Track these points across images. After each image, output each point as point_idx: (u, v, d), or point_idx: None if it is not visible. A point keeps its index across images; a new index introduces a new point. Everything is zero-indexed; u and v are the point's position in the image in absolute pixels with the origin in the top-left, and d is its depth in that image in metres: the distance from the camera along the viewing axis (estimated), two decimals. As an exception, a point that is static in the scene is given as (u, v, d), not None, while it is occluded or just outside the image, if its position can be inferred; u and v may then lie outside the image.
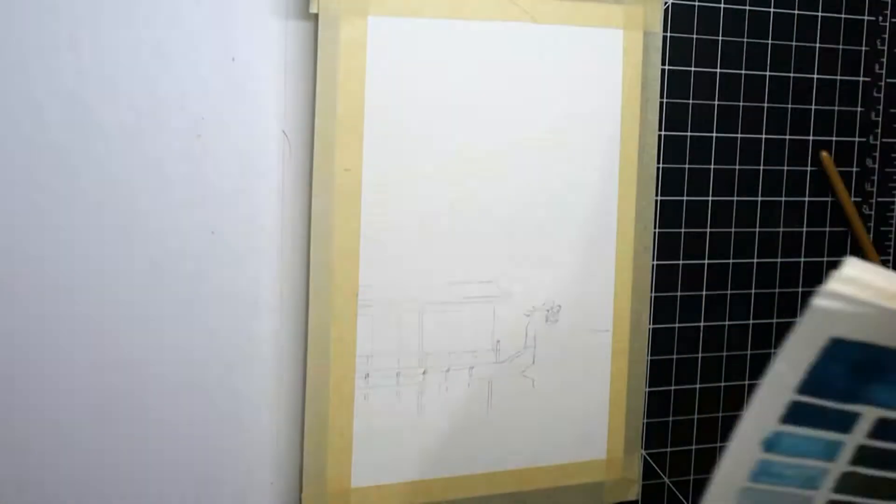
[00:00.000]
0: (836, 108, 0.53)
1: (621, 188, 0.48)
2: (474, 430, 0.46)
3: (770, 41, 0.51)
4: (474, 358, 0.46)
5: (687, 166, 0.50)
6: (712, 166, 0.51)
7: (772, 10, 0.51)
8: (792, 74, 0.52)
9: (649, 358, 0.51)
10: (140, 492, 0.42)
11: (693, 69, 0.50)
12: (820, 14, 0.52)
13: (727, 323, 0.52)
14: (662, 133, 0.49)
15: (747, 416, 0.30)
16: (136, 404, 0.42)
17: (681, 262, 0.51)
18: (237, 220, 0.43)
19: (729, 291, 0.52)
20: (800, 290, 0.54)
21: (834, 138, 0.53)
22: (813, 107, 0.53)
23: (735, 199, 0.52)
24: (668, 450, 0.52)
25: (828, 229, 0.54)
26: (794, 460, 0.31)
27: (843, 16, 0.53)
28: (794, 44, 0.52)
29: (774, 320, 0.53)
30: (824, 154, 0.50)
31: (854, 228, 0.53)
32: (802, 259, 0.53)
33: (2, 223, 0.39)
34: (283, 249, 0.43)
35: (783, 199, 0.53)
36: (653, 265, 0.50)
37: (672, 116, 0.50)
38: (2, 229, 0.39)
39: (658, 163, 0.49)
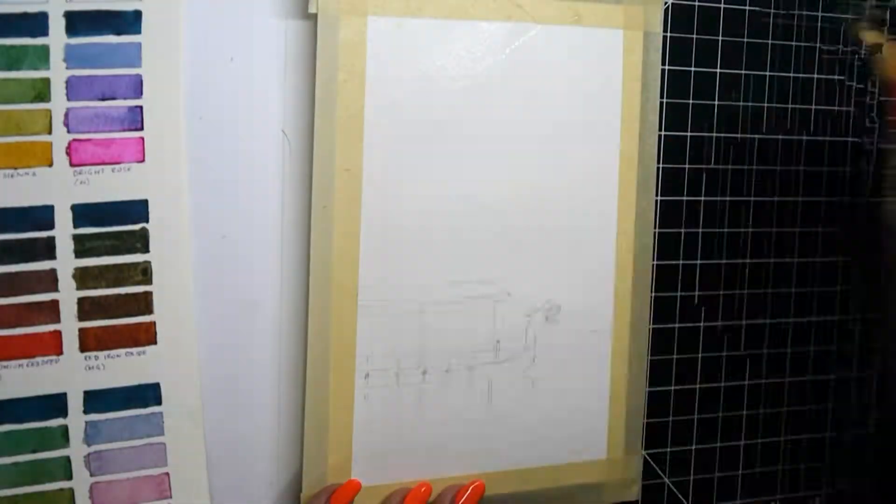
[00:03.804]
0: (836, 108, 0.53)
1: (621, 188, 0.48)
2: (474, 430, 0.46)
3: (770, 41, 0.51)
4: (474, 358, 0.46)
5: (687, 166, 0.50)
6: (712, 166, 0.51)
7: (772, 10, 0.51)
8: (792, 74, 0.52)
9: (649, 358, 0.51)
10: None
11: (693, 69, 0.50)
12: (820, 14, 0.52)
13: (727, 323, 0.52)
14: (662, 133, 0.49)
15: None
16: (135, 404, 0.42)
17: (681, 262, 0.51)
18: (236, 219, 0.43)
19: (729, 291, 0.52)
20: (800, 290, 0.54)
21: (833, 139, 0.53)
22: (813, 107, 0.53)
23: (735, 199, 0.52)
24: (668, 450, 0.52)
25: (828, 229, 0.54)
26: None
27: (842, 16, 0.53)
28: (793, 44, 0.52)
29: (775, 320, 0.53)
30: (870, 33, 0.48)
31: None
32: (802, 259, 0.54)
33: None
34: (283, 249, 0.43)
35: (783, 199, 0.53)
36: (653, 265, 0.50)
37: (672, 116, 0.50)
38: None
39: (658, 163, 0.49)
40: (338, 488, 0.43)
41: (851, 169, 0.54)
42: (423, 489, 0.44)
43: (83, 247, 0.39)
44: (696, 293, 0.51)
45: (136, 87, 0.39)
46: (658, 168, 0.49)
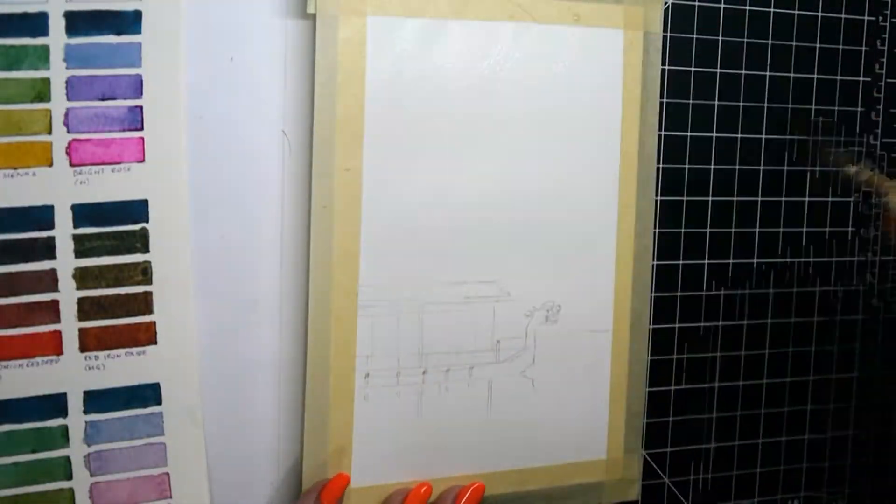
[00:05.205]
0: (837, 108, 0.53)
1: (621, 188, 0.48)
2: (474, 430, 0.46)
3: (770, 41, 0.51)
4: (474, 358, 0.46)
5: (687, 166, 0.50)
6: (712, 166, 0.51)
7: (772, 10, 0.51)
8: (792, 74, 0.52)
9: (649, 358, 0.51)
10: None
11: (693, 69, 0.50)
12: (820, 14, 0.52)
13: (727, 323, 0.52)
14: (662, 133, 0.49)
15: None
16: (135, 404, 0.42)
17: (681, 262, 0.51)
18: (236, 219, 0.43)
19: (729, 291, 0.52)
20: (800, 290, 0.54)
21: (834, 138, 0.53)
22: (813, 107, 0.53)
23: (735, 199, 0.52)
24: (668, 450, 0.52)
25: (828, 229, 0.54)
26: None
27: (843, 16, 0.53)
28: (794, 44, 0.52)
29: (774, 320, 0.53)
30: None
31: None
32: (802, 259, 0.54)
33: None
34: (283, 249, 0.43)
35: (783, 199, 0.53)
36: (653, 265, 0.50)
37: (672, 116, 0.50)
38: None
39: (658, 163, 0.49)
40: (327, 483, 0.43)
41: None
42: (423, 489, 0.44)
43: (83, 247, 0.39)
44: (696, 293, 0.51)
45: (136, 87, 0.39)
46: (658, 168, 0.49)
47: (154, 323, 0.40)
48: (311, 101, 0.42)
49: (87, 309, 0.39)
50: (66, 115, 0.38)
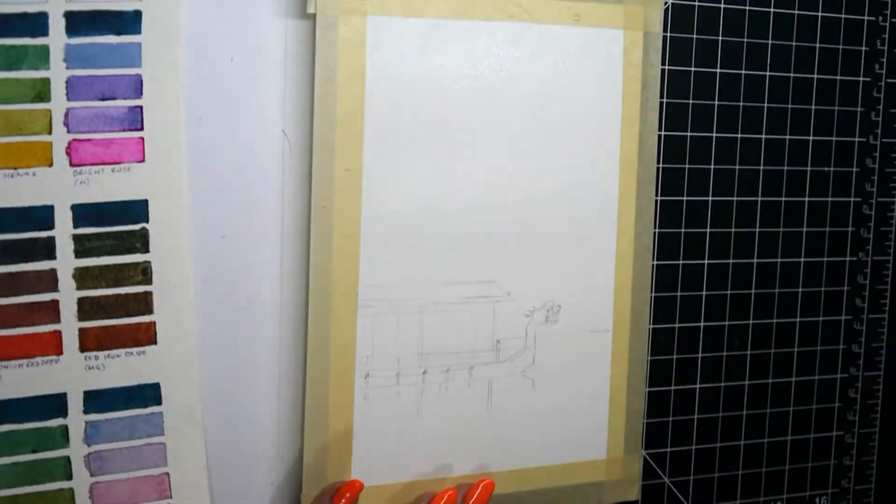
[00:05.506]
0: (836, 108, 0.53)
1: (621, 188, 0.48)
2: (474, 430, 0.46)
3: (770, 41, 0.51)
4: (474, 358, 0.46)
5: (687, 166, 0.50)
6: (712, 166, 0.51)
7: (772, 10, 0.51)
8: (792, 74, 0.52)
9: (649, 358, 0.51)
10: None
11: (693, 69, 0.50)
12: (820, 14, 0.52)
13: (727, 323, 0.52)
14: (662, 133, 0.49)
15: None
16: (135, 404, 0.42)
17: (681, 262, 0.51)
18: (236, 219, 0.43)
19: (729, 291, 0.52)
20: (800, 290, 0.54)
21: (834, 138, 0.53)
22: (813, 107, 0.53)
23: (735, 199, 0.52)
24: (668, 450, 0.52)
25: (828, 229, 0.54)
26: None
27: (843, 16, 0.53)
28: (794, 44, 0.52)
29: (774, 320, 0.53)
30: None
31: None
32: (802, 259, 0.54)
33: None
34: (283, 249, 0.43)
35: (783, 199, 0.53)
36: (653, 265, 0.50)
37: (672, 116, 0.50)
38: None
39: (658, 163, 0.49)
40: (340, 488, 0.42)
41: (858, 168, 0.54)
42: (448, 494, 0.44)
43: (83, 247, 0.39)
44: (696, 293, 0.51)
45: (136, 87, 0.39)
46: (658, 168, 0.49)
47: (154, 323, 0.40)
48: (311, 101, 0.42)
49: (87, 309, 0.39)
50: (66, 115, 0.38)
